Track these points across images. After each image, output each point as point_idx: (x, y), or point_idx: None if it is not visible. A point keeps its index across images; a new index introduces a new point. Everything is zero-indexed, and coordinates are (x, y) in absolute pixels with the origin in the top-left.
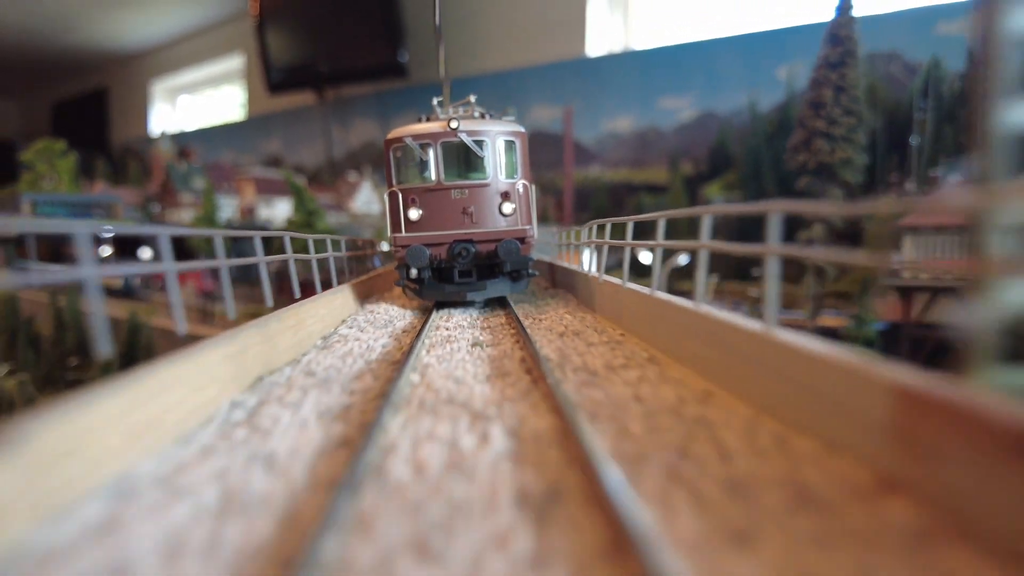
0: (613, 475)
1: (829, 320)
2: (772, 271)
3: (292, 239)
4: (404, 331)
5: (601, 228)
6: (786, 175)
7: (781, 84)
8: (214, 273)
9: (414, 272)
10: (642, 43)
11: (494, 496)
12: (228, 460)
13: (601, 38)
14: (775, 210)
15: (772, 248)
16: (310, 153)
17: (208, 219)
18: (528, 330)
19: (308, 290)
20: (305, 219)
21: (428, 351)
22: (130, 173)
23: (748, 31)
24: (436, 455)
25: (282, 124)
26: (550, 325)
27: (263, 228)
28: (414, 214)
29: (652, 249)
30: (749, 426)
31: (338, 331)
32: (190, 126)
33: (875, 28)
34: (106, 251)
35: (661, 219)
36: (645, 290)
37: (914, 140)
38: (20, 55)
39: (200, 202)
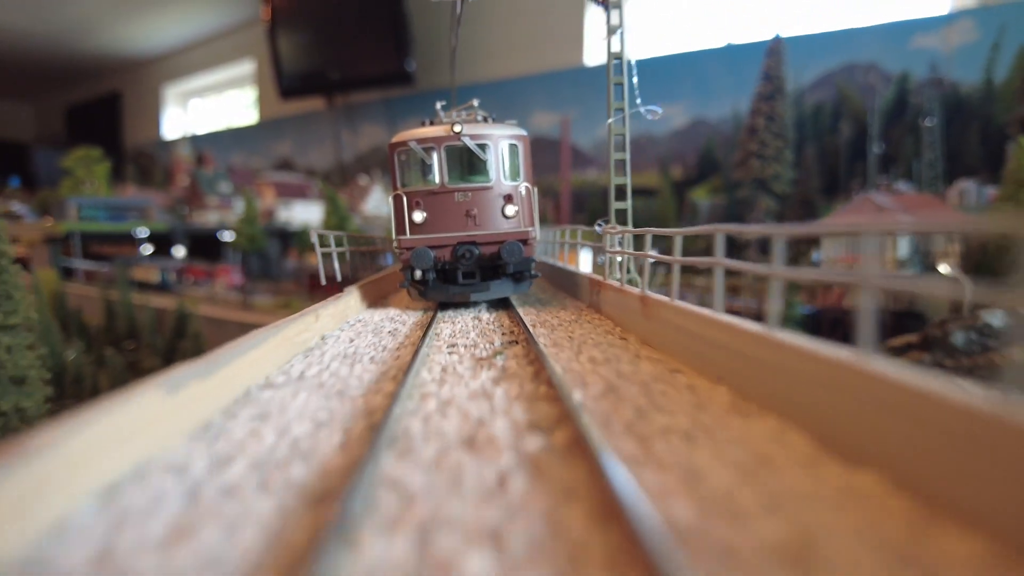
0: (538, 341)
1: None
2: (611, 255)
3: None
4: None
5: (563, 232)
6: (761, 181)
7: None
8: (242, 271)
9: (418, 273)
10: (637, 53)
11: (488, 330)
12: (380, 317)
13: (598, 48)
14: (623, 232)
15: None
16: (320, 156)
17: (250, 221)
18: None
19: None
20: (338, 223)
21: None
22: (155, 177)
23: (735, 42)
24: (461, 322)
25: (292, 128)
26: (528, 293)
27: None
28: (418, 216)
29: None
30: (607, 328)
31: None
32: (201, 129)
33: (855, 40)
34: (148, 249)
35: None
36: (585, 271)
37: (878, 148)
38: (35, 59)
39: (224, 204)
